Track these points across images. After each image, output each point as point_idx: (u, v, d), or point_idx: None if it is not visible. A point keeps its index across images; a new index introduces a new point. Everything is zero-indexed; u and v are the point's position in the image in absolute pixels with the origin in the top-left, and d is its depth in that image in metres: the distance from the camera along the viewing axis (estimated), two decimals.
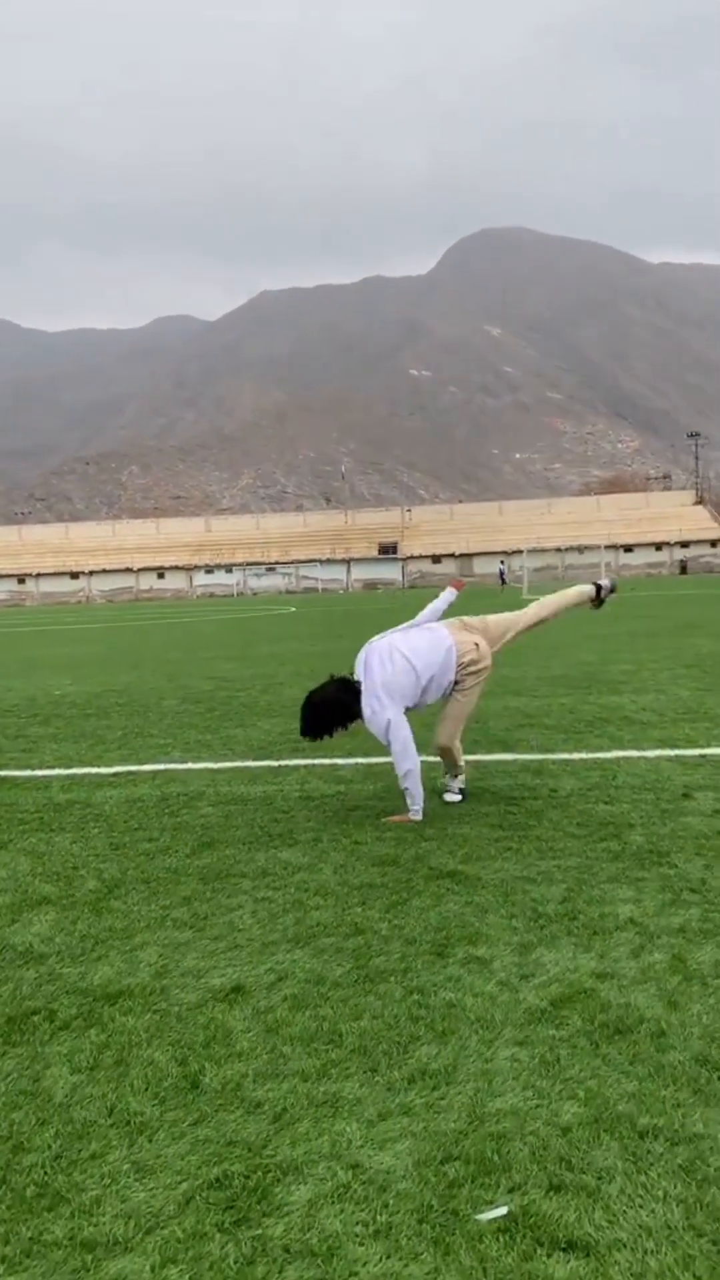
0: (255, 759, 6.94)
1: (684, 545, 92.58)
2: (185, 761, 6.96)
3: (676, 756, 6.35)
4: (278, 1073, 2.52)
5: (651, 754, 6.47)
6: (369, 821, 5.05)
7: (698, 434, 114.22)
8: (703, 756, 6.32)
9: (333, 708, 5.21)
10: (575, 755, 6.51)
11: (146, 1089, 2.48)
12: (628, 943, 3.30)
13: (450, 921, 3.55)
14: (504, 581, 59.82)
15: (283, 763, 6.74)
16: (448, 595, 6.22)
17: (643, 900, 3.71)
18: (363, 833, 4.83)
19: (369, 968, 3.18)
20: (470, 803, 5.38)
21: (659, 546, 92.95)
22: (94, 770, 6.80)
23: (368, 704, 5.16)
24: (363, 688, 5.20)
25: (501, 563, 63.81)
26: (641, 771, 5.95)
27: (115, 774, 6.65)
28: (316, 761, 6.70)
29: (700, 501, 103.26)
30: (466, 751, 6.73)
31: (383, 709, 5.15)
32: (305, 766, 6.57)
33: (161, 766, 6.83)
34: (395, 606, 39.56)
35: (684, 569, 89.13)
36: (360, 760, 6.68)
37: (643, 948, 3.26)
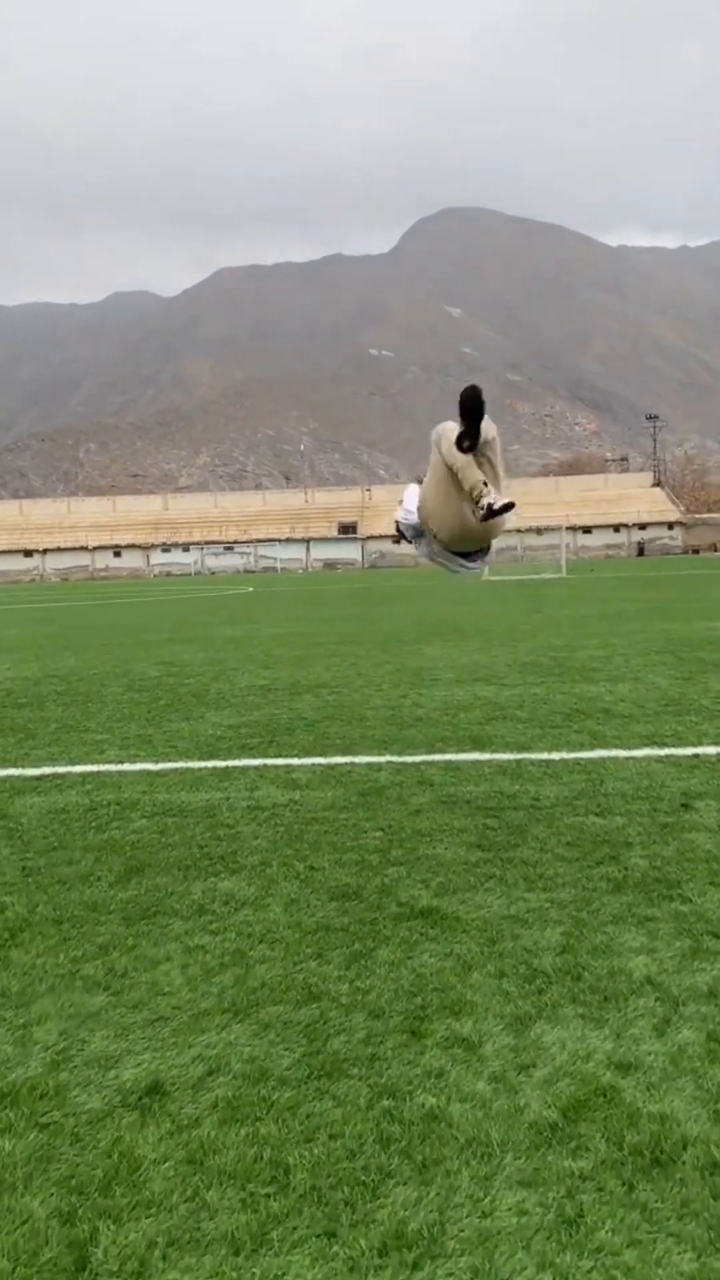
0: (200, 758, 6.21)
1: (642, 527, 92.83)
2: (122, 762, 6.21)
3: (667, 757, 5.74)
4: (197, 1239, 1.83)
5: (639, 753, 5.85)
6: (327, 840, 4.36)
7: (656, 416, 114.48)
8: (696, 757, 5.71)
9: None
10: (555, 755, 5.87)
11: (13, 1272, 1.77)
12: (648, 1013, 2.65)
13: (426, 982, 2.88)
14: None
15: (230, 763, 6.03)
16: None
17: (657, 949, 3.07)
18: (319, 855, 4.14)
19: (325, 1053, 2.50)
20: (443, 814, 4.72)
21: (617, 528, 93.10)
22: (16, 772, 6.04)
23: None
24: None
25: None
26: (631, 775, 5.32)
27: (40, 777, 5.89)
28: (268, 762, 6.00)
29: (658, 484, 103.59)
30: (433, 748, 6.09)
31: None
32: (256, 769, 5.86)
33: (94, 768, 6.08)
34: (356, 588, 38.88)
35: (641, 551, 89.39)
36: (318, 761, 5.98)
37: (668, 1021, 2.61)
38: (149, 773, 5.87)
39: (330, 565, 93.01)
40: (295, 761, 5.98)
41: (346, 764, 5.84)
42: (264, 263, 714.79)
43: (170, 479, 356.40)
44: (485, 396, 4.47)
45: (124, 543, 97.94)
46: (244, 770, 5.83)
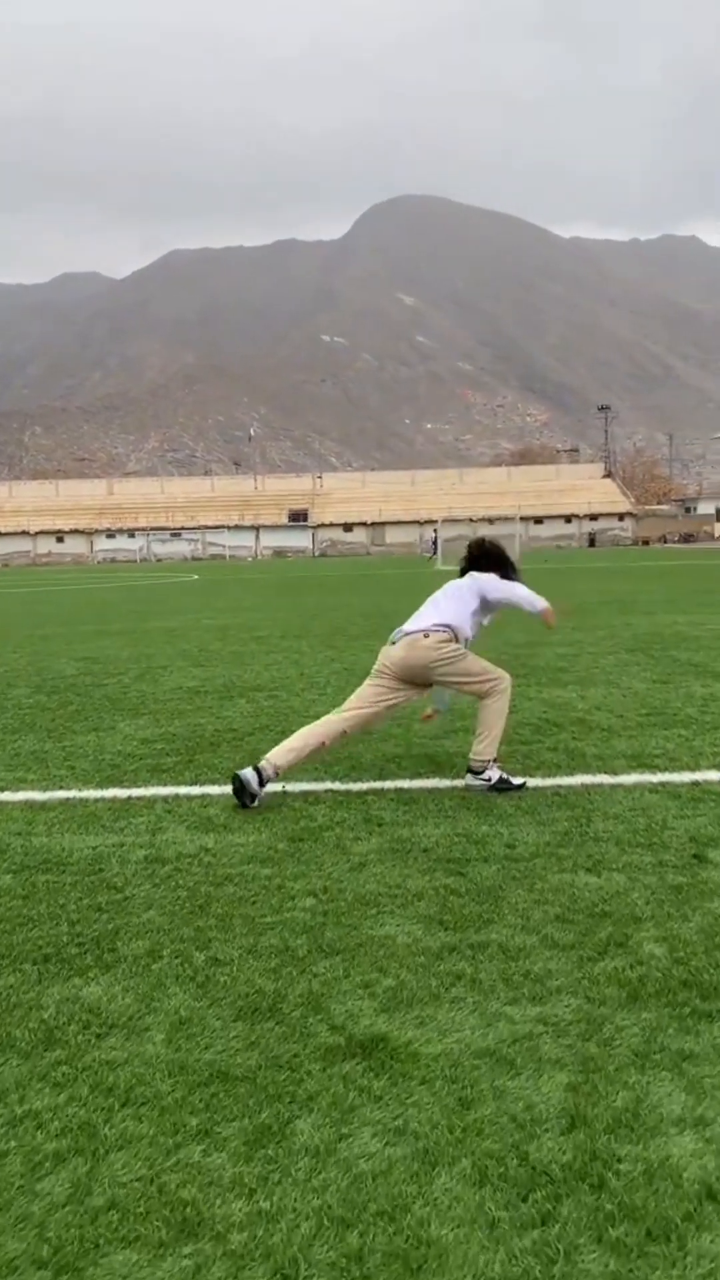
0: (99, 785, 5.12)
1: (593, 518, 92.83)
2: (2, 789, 5.10)
3: (662, 785, 4.78)
4: None
5: (628, 780, 4.89)
6: (241, 912, 3.31)
7: (607, 407, 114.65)
8: (697, 785, 4.76)
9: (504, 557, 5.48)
10: (530, 781, 4.89)
11: None
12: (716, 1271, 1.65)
13: (366, 1197, 1.86)
14: (435, 552, 57.74)
15: (135, 793, 4.95)
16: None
17: (707, 1118, 2.08)
18: (228, 938, 3.10)
19: None
20: (394, 868, 3.70)
21: (568, 519, 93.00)
22: None
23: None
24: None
25: (435, 531, 62.13)
26: (623, 811, 4.35)
27: None
28: (182, 791, 4.93)
29: (609, 475, 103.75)
30: (384, 771, 5.06)
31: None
32: (165, 800, 4.79)
33: None
34: (305, 577, 37.87)
35: (592, 541, 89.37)
36: None
37: None
38: (32, 805, 4.77)
39: (280, 553, 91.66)
40: (215, 790, 4.92)
41: (277, 793, 4.80)
42: (215, 246, 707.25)
43: (118, 464, 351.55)
44: None
45: (67, 528, 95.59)
46: (150, 803, 4.75)
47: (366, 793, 4.78)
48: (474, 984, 2.72)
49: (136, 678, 9.15)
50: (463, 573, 5.39)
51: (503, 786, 4.73)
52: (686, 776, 4.92)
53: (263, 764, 4.61)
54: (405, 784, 4.92)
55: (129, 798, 4.84)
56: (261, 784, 4.56)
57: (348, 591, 23.77)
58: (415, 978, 2.77)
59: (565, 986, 2.70)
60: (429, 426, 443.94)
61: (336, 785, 4.92)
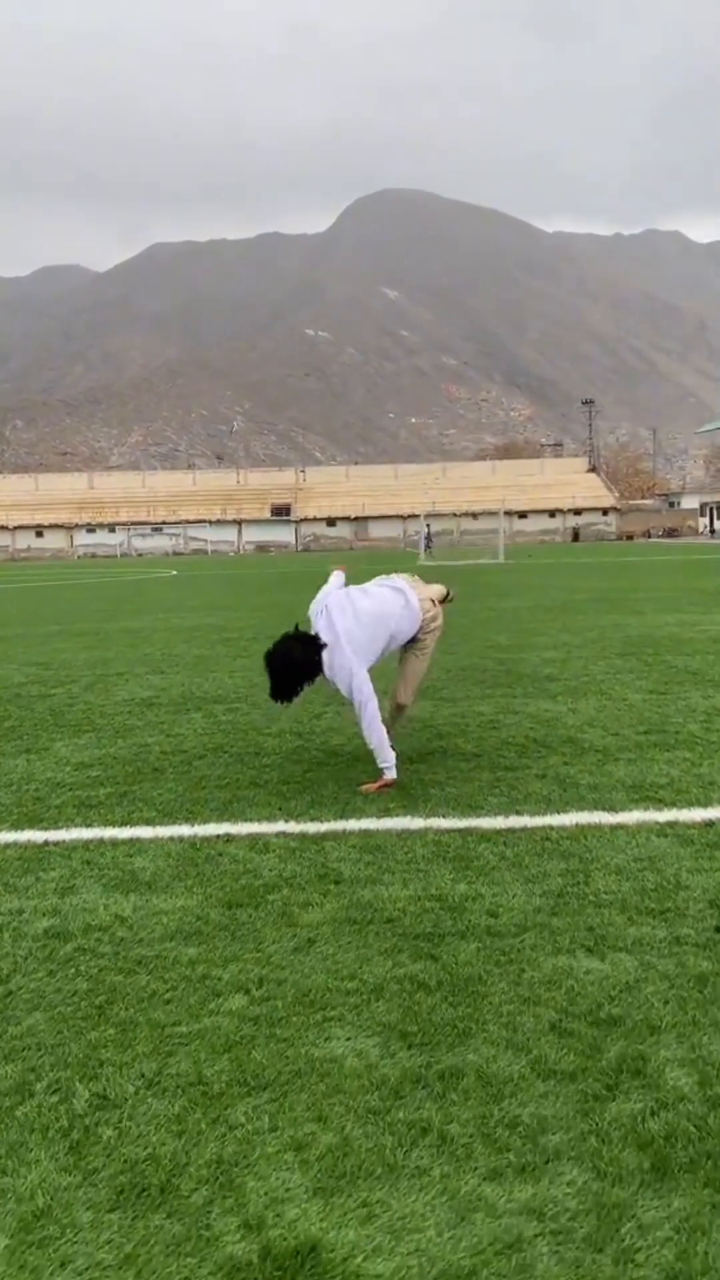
0: (13, 825, 4.39)
1: (577, 513, 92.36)
2: None
3: (670, 826, 4.09)
4: None
5: (630, 818, 4.20)
6: (149, 1018, 2.60)
7: (591, 401, 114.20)
8: (710, 826, 4.07)
9: (295, 665, 4.79)
10: (515, 821, 4.19)
11: None
12: None
13: None
14: (429, 546, 56.82)
15: (53, 835, 4.22)
16: (337, 579, 5.45)
17: None
18: (127, 1064, 2.38)
19: None
20: (350, 946, 2.99)
21: (552, 514, 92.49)
22: None
23: (332, 657, 4.81)
24: (326, 641, 4.83)
25: (427, 524, 61.38)
26: (627, 863, 3.66)
27: None
28: (108, 834, 4.20)
29: (593, 469, 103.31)
30: (347, 807, 4.35)
31: (346, 662, 4.80)
32: (87, 846, 4.07)
33: None
34: (285, 573, 37.13)
35: (576, 536, 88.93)
36: (180, 831, 4.21)
37: None
38: None
39: (263, 548, 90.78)
40: (147, 833, 4.20)
41: (221, 837, 4.09)
42: (198, 239, 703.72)
43: (101, 458, 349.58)
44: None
45: (46, 522, 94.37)
46: (68, 851, 4.02)
47: (325, 836, 4.07)
48: (443, 1143, 2.02)
49: (87, 687, 8.40)
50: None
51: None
52: (698, 814, 4.23)
53: None
54: (371, 824, 4.21)
55: (45, 843, 4.10)
56: None
57: None
58: (365, 1132, 2.06)
59: (566, 1147, 1.99)
60: (413, 421, 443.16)
61: (290, 826, 4.21)
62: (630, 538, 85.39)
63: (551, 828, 4.10)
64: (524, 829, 4.09)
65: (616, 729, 6.01)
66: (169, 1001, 2.68)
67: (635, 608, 14.62)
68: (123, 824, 4.34)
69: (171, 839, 4.10)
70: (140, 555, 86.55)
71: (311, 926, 3.14)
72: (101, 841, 4.11)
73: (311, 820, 4.29)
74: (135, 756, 5.67)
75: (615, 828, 4.08)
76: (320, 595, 5.14)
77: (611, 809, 4.33)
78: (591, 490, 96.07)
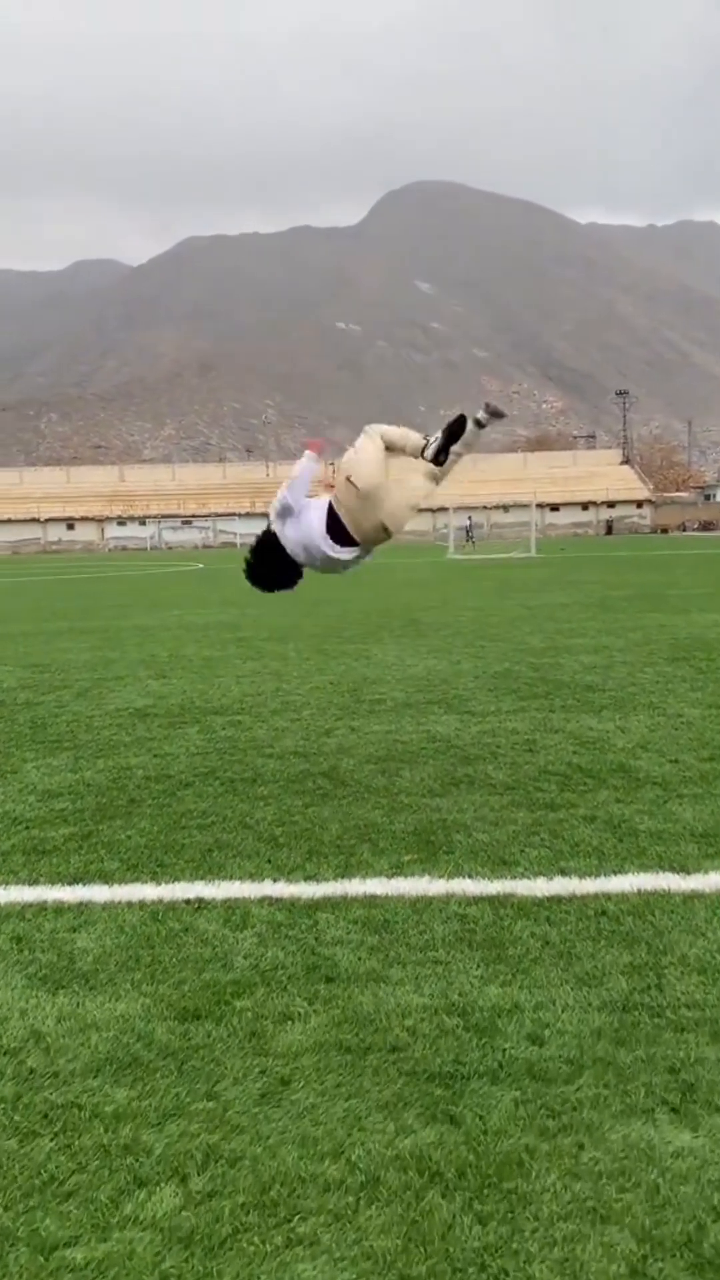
0: None
1: (610, 505, 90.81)
2: None
3: None
4: None
5: (707, 884, 3.32)
6: (40, 1225, 1.78)
7: (625, 392, 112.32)
8: None
9: (272, 549, 4.20)
10: (559, 885, 3.33)
11: None
12: None
13: None
14: (470, 538, 55.96)
15: None
16: (306, 463, 4.39)
17: None
18: None
19: None
20: (336, 1088, 2.16)
21: (585, 506, 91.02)
22: None
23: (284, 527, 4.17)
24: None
25: (469, 517, 60.36)
26: (710, 954, 2.79)
27: None
28: (51, 896, 3.39)
29: (626, 462, 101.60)
30: (350, 860, 3.52)
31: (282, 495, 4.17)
32: (23, 913, 3.26)
33: None
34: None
35: (610, 529, 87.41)
36: (144, 893, 3.39)
37: None
38: None
39: None
40: (102, 894, 3.38)
41: (191, 902, 3.27)
42: (230, 233, 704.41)
43: (134, 451, 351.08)
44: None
45: (77, 515, 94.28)
46: (1, 918, 3.21)
47: (320, 904, 3.23)
48: None
49: (80, 693, 7.62)
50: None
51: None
52: None
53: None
54: (379, 886, 3.36)
55: None
56: None
57: (350, 584, 22.19)
58: None
59: None
60: (443, 413, 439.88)
61: (279, 889, 3.37)
62: (665, 531, 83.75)
63: (608, 895, 3.24)
64: (572, 897, 3.23)
65: (675, 754, 5.12)
66: (70, 1196, 1.86)
67: (679, 605, 13.64)
68: (75, 880, 3.53)
69: (130, 904, 3.28)
70: (170, 548, 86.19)
71: (289, 1056, 2.31)
72: (43, 906, 3.30)
73: (305, 879, 3.45)
74: (112, 783, 4.86)
75: (689, 897, 3.21)
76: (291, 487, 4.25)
77: (682, 868, 3.46)
78: (625, 483, 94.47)
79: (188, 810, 4.35)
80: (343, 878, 3.46)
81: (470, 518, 58.58)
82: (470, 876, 3.42)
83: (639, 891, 3.26)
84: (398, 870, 3.52)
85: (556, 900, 3.21)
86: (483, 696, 6.94)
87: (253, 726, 6.17)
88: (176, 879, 3.49)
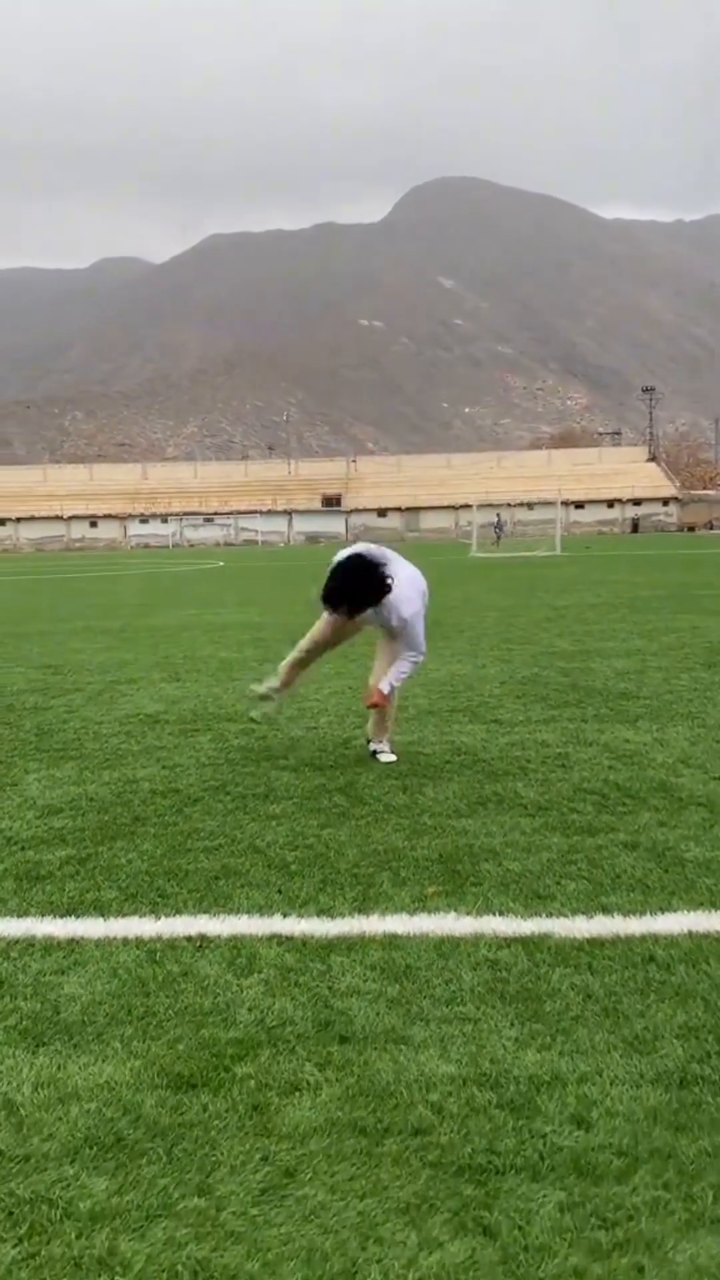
0: None
1: (636, 503, 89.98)
2: None
3: None
4: None
5: None
6: None
7: (652, 389, 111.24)
8: None
9: (370, 573, 4.69)
10: (601, 925, 3.01)
11: None
12: None
13: None
14: (498, 535, 55.95)
15: None
16: None
17: None
18: None
19: None
20: (349, 1186, 1.85)
21: (610, 504, 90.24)
22: None
23: (400, 589, 4.78)
24: (391, 570, 4.76)
25: (498, 514, 60.18)
26: None
27: None
28: (42, 930, 3.09)
29: (653, 459, 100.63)
30: (369, 891, 3.20)
31: (414, 597, 4.89)
32: (10, 946, 2.97)
33: None
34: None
35: (635, 527, 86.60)
36: (140, 929, 3.09)
37: None
38: None
39: (313, 539, 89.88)
40: (96, 929, 3.09)
41: (193, 940, 2.97)
42: (255, 230, 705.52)
43: (157, 449, 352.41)
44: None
45: (100, 513, 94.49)
46: None
47: (334, 944, 2.92)
48: None
49: (91, 697, 7.35)
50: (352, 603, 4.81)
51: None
52: None
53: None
54: (400, 924, 3.05)
55: None
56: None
57: None
58: None
59: None
60: (467, 410, 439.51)
61: (290, 925, 3.06)
62: (692, 529, 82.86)
63: (655, 938, 2.90)
64: (615, 939, 2.91)
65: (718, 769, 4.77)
66: None
67: (712, 607, 13.24)
68: (68, 911, 3.23)
69: (126, 941, 2.98)
70: (192, 546, 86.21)
71: (295, 1139, 2.00)
72: (32, 942, 3.00)
73: (319, 914, 3.14)
74: (117, 798, 4.58)
75: None
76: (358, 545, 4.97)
77: None
78: (651, 480, 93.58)
79: (195, 830, 4.05)
80: (360, 913, 3.14)
81: (499, 515, 58.26)
82: (501, 913, 3.10)
83: (690, 934, 2.93)
84: (420, 905, 3.20)
85: (598, 943, 2.88)
86: (510, 704, 6.61)
87: (267, 735, 5.88)
88: (179, 911, 3.19)
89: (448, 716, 6.24)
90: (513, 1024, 2.43)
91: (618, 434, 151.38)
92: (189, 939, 2.98)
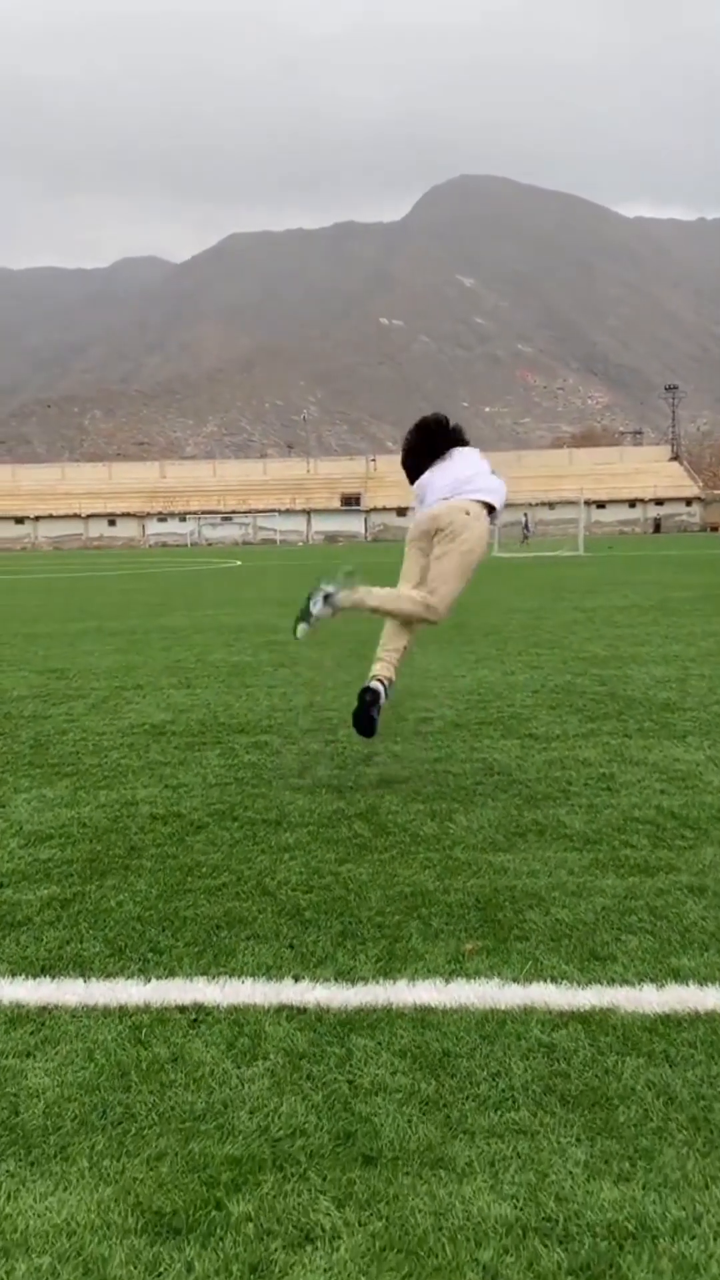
0: None
1: (659, 503, 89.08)
2: None
3: None
4: None
5: None
6: None
7: (675, 387, 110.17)
8: None
9: (458, 433, 4.84)
10: (671, 997, 2.51)
11: None
12: None
13: None
14: (526, 535, 55.59)
15: None
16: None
17: None
18: None
19: None
20: None
21: (632, 504, 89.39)
22: None
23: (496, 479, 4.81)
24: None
25: (524, 514, 59.73)
26: None
27: None
28: (9, 995, 2.62)
29: (676, 458, 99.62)
30: (396, 947, 2.72)
31: (496, 496, 4.79)
32: None
33: None
34: (356, 560, 35.53)
35: (658, 527, 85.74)
36: (124, 993, 2.61)
37: None
38: None
39: (331, 538, 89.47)
40: (73, 994, 2.61)
41: (187, 1010, 2.49)
42: (275, 229, 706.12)
43: (176, 448, 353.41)
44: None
45: (119, 511, 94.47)
46: None
47: (354, 1019, 2.43)
48: None
49: (94, 705, 6.90)
50: (432, 450, 4.87)
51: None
52: None
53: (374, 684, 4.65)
54: (435, 992, 2.56)
55: None
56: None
57: (394, 582, 21.41)
58: None
59: None
60: (487, 410, 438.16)
61: (300, 992, 2.58)
62: (715, 529, 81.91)
63: None
64: (694, 1017, 2.41)
65: None
66: None
67: None
68: (45, 969, 2.77)
69: (108, 1011, 2.51)
70: (210, 544, 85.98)
71: None
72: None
73: (337, 977, 2.66)
74: (113, 824, 4.11)
75: None
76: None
77: None
78: (674, 480, 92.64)
79: (197, 864, 3.58)
80: (385, 976, 2.66)
81: (525, 515, 57.72)
82: (553, 979, 2.61)
83: None
84: (457, 965, 2.71)
85: (674, 1022, 2.38)
86: (544, 716, 6.10)
87: (281, 750, 5.41)
88: (172, 972, 2.71)
89: (477, 730, 5.74)
90: (579, 1139, 1.95)
91: (639, 433, 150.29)
92: (182, 1009, 2.50)
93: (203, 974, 2.69)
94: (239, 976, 2.67)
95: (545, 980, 2.61)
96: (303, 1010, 2.48)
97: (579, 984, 2.59)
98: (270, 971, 2.70)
